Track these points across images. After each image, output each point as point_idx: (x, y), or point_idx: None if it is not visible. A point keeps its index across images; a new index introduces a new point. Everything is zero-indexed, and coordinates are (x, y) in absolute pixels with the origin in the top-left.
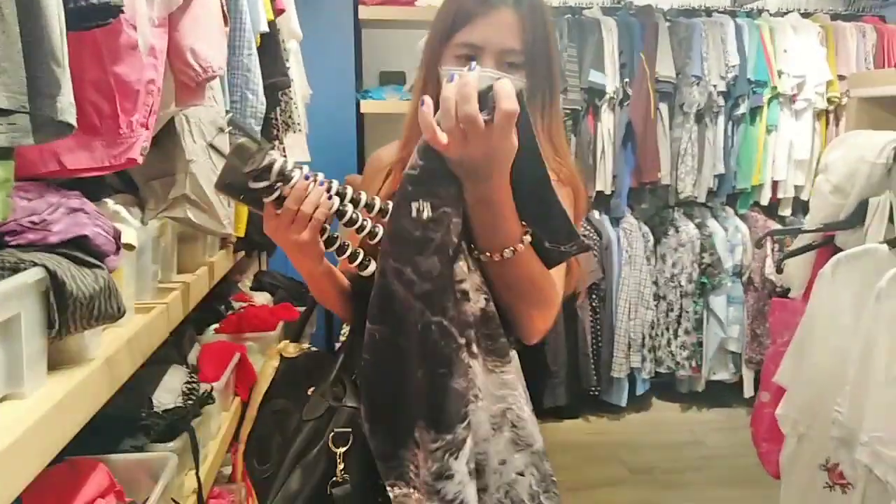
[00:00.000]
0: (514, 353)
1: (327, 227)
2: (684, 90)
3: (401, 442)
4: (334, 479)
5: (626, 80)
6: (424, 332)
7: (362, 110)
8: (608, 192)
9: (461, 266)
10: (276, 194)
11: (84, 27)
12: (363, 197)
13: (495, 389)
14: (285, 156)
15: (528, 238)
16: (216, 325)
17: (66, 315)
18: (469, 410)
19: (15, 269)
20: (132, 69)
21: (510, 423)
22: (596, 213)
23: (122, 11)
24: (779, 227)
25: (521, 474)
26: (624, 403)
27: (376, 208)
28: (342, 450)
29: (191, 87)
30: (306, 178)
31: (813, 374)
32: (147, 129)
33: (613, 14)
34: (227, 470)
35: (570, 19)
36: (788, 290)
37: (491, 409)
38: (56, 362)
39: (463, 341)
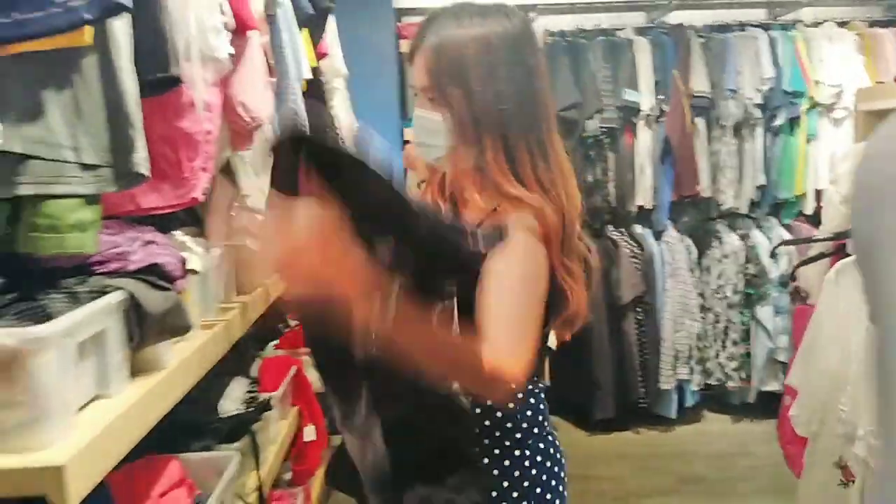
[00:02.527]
0: None
1: None
2: (720, 104)
3: None
4: None
5: (661, 97)
6: None
7: (406, 137)
8: (649, 206)
9: None
10: None
11: (153, 94)
12: None
13: None
14: None
15: None
16: (275, 342)
17: (143, 329)
18: None
19: (102, 293)
20: (192, 123)
21: None
22: (638, 227)
23: (182, 82)
24: None
25: None
26: (674, 415)
27: None
28: None
29: (243, 135)
30: None
31: (821, 375)
32: (207, 172)
33: (646, 34)
34: (288, 476)
35: (603, 41)
36: None
37: None
38: (136, 370)
39: None
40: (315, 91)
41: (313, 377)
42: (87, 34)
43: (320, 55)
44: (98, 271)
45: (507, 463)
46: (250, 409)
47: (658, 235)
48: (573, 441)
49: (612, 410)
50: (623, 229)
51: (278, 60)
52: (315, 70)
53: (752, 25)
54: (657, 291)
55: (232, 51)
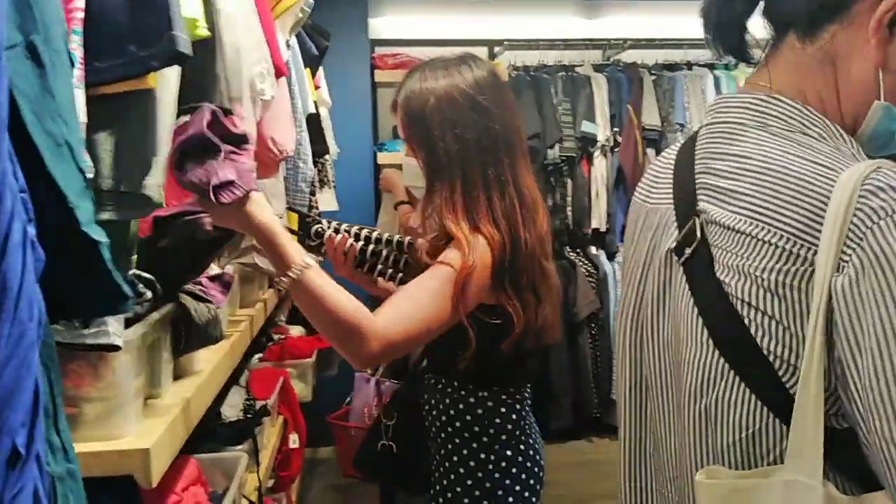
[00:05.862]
0: None
1: (368, 259)
2: (669, 136)
3: None
4: (382, 442)
5: (616, 129)
6: None
7: (379, 161)
8: (603, 228)
9: None
10: (324, 247)
11: None
12: (384, 236)
13: None
14: (320, 215)
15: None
16: (260, 355)
17: (188, 338)
18: None
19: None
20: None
21: None
22: (593, 249)
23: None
24: None
25: None
26: None
27: (393, 241)
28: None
29: (270, 165)
30: (336, 232)
31: None
32: None
33: (603, 70)
34: (270, 482)
35: (563, 76)
36: None
37: None
38: (175, 374)
39: None
40: (314, 124)
41: (299, 388)
42: (152, 79)
43: (315, 87)
44: None
45: (472, 464)
46: (249, 416)
47: (611, 256)
48: None
49: (569, 420)
50: (579, 250)
51: (290, 97)
52: (315, 104)
53: (699, 65)
54: (610, 308)
55: (275, 93)
